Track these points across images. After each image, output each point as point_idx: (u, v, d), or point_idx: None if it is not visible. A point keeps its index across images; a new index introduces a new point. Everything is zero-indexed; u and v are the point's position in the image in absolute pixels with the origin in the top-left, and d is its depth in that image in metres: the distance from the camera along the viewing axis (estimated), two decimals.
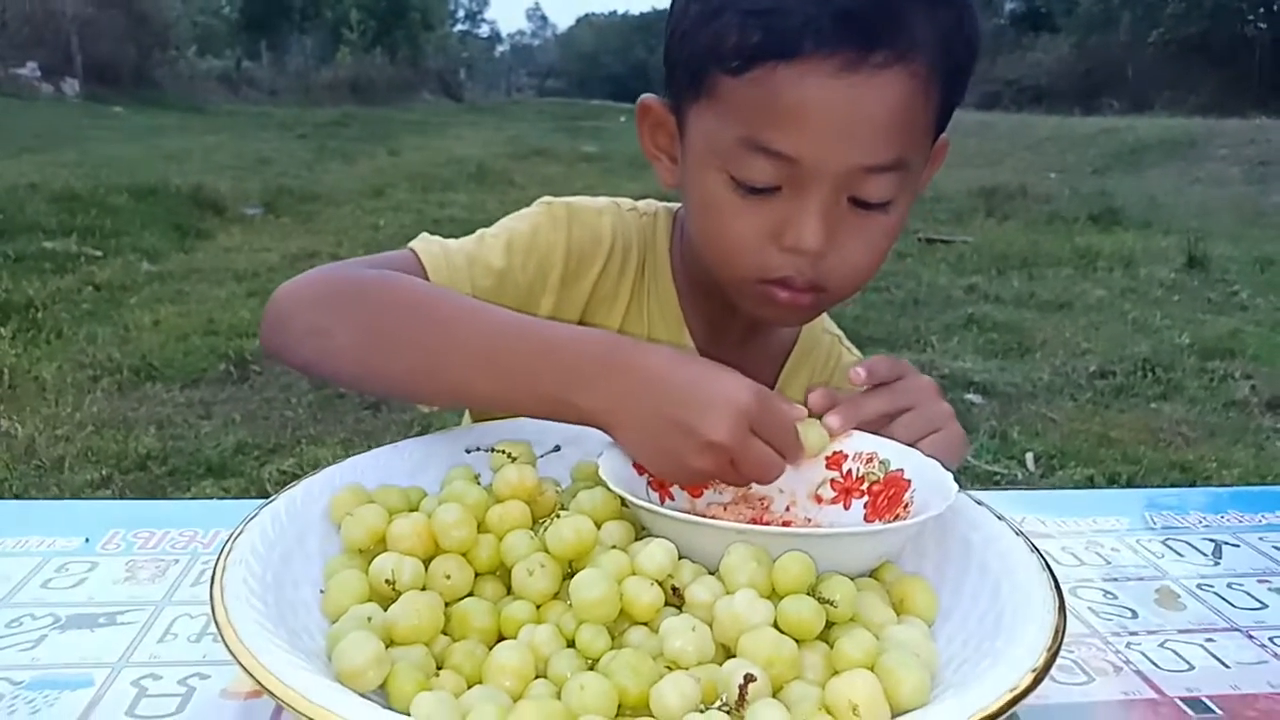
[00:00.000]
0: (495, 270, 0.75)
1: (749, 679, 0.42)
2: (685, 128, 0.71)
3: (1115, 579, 0.63)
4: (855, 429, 0.62)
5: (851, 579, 0.50)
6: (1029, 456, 2.64)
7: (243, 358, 3.26)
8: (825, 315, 0.88)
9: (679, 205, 0.82)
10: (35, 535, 0.66)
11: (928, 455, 0.60)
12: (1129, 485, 2.41)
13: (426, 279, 0.72)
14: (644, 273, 0.81)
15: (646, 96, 0.75)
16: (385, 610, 0.49)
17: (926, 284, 4.73)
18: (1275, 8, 16.22)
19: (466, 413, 0.84)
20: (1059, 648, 0.44)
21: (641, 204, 0.84)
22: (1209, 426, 2.93)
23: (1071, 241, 5.82)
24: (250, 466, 2.46)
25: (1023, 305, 4.37)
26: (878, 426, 0.62)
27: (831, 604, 0.48)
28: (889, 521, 0.58)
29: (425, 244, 0.75)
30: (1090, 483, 2.43)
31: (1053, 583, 0.49)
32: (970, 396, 3.15)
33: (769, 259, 0.67)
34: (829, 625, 0.49)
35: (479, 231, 0.78)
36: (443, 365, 0.62)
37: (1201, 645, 0.55)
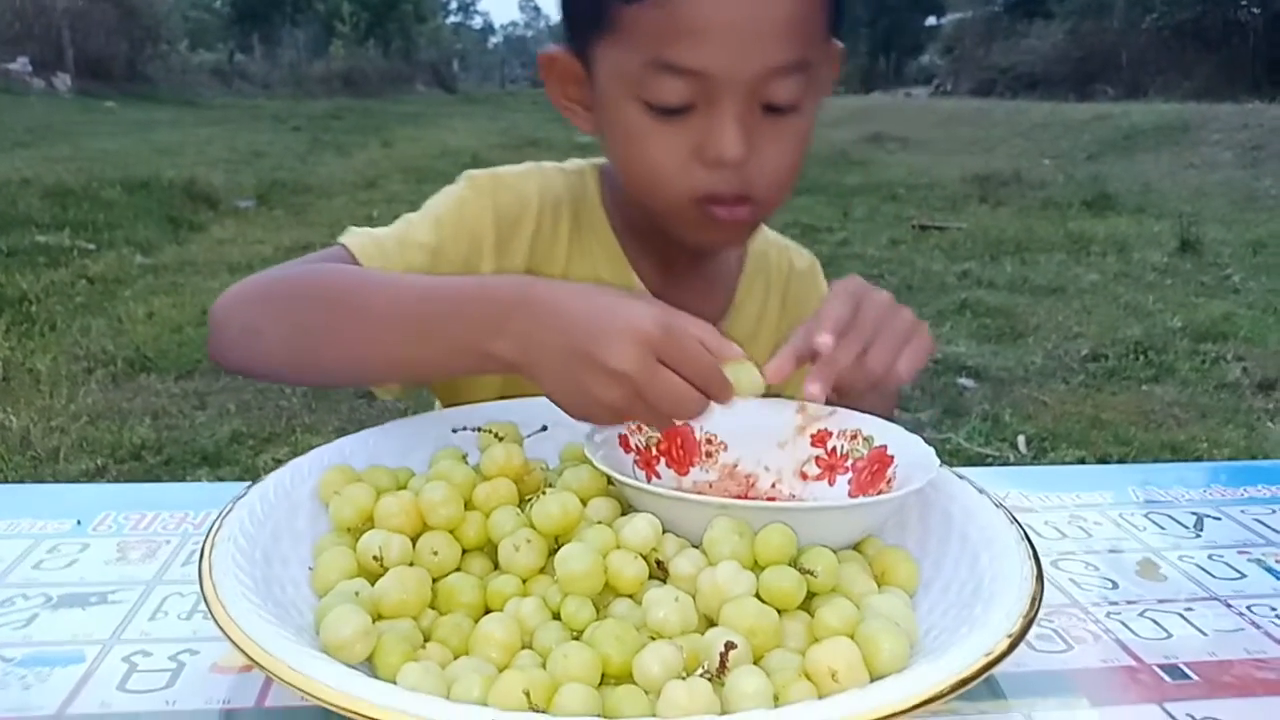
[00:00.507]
0: (427, 246, 0.75)
1: (730, 646, 0.43)
2: (593, 69, 0.72)
3: (1097, 551, 0.64)
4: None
5: (835, 552, 0.51)
6: (1021, 439, 2.65)
7: None
8: (765, 228, 0.89)
9: (604, 160, 0.84)
10: (27, 518, 0.66)
11: (904, 372, 0.59)
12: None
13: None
14: (580, 225, 0.83)
15: (548, 47, 0.76)
16: (373, 586, 0.50)
17: (920, 270, 4.74)
18: None
19: (437, 402, 0.85)
20: (1035, 614, 0.45)
21: (567, 164, 0.86)
22: (1200, 408, 2.94)
23: (1065, 227, 5.83)
24: (245, 455, 2.47)
25: (1016, 290, 4.38)
26: (854, 369, 0.59)
27: (812, 574, 0.49)
28: (872, 496, 0.59)
29: (354, 236, 0.75)
30: (1081, 464, 2.44)
31: (1031, 552, 0.50)
32: (963, 380, 3.15)
33: (694, 177, 0.68)
34: (811, 596, 0.49)
35: (404, 216, 0.78)
36: (366, 342, 0.62)
37: (1180, 614, 0.56)
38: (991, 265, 4.88)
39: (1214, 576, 0.60)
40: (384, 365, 0.65)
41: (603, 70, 0.70)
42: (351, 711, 0.38)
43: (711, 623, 0.47)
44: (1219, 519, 0.69)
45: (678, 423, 0.59)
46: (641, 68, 0.66)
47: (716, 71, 0.64)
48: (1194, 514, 0.70)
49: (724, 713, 0.41)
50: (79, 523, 0.66)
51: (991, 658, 0.41)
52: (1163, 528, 0.68)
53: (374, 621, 0.47)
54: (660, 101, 0.66)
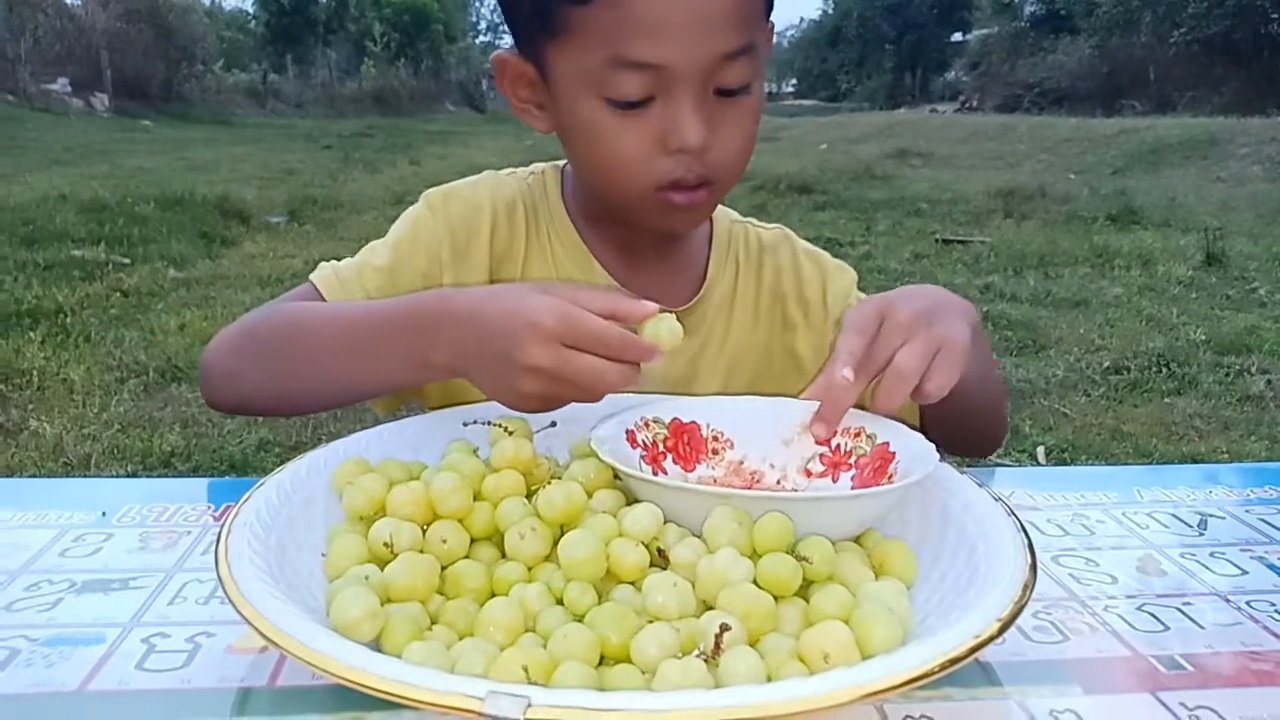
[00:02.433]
0: (383, 269, 0.81)
1: (724, 628, 0.44)
2: (547, 70, 0.75)
3: (1098, 548, 0.64)
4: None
5: (833, 543, 0.52)
6: (1040, 450, 2.64)
7: None
8: (730, 210, 0.93)
9: (564, 161, 0.87)
10: (55, 509, 0.69)
11: (933, 391, 0.58)
12: None
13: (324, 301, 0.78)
14: (538, 223, 0.86)
15: (499, 52, 0.79)
16: (383, 571, 0.51)
17: (943, 284, 4.66)
18: None
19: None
20: (1026, 600, 0.46)
21: (521, 169, 0.90)
22: (1223, 420, 2.91)
23: (1089, 241, 5.79)
24: (271, 463, 2.48)
25: (1039, 303, 4.35)
26: (875, 400, 0.59)
27: (808, 561, 0.50)
28: (870, 488, 0.60)
29: (319, 271, 0.82)
30: None
31: (1026, 544, 0.51)
32: None
33: (659, 166, 0.71)
34: (808, 583, 0.50)
35: (370, 243, 0.85)
36: (321, 371, 0.69)
37: (1178, 609, 0.56)
38: (1015, 279, 4.85)
39: (1215, 573, 0.61)
40: (342, 388, 0.71)
41: (558, 72, 0.73)
42: (357, 684, 0.39)
43: (710, 608, 0.48)
44: (1223, 518, 0.69)
45: (610, 395, 0.60)
46: (600, 66, 0.69)
47: (673, 63, 0.67)
48: (1198, 514, 0.70)
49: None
50: (104, 514, 0.68)
51: (980, 640, 0.42)
52: (1166, 526, 0.68)
53: (382, 605, 0.48)
54: (622, 97, 0.69)
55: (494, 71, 0.80)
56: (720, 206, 0.94)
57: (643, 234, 0.83)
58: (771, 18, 0.77)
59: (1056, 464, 2.56)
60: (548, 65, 0.74)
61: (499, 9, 0.79)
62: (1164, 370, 3.35)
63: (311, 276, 0.81)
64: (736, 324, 0.89)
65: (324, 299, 0.79)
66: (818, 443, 0.65)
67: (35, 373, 3.08)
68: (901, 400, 0.58)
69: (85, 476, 2.37)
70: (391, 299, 0.69)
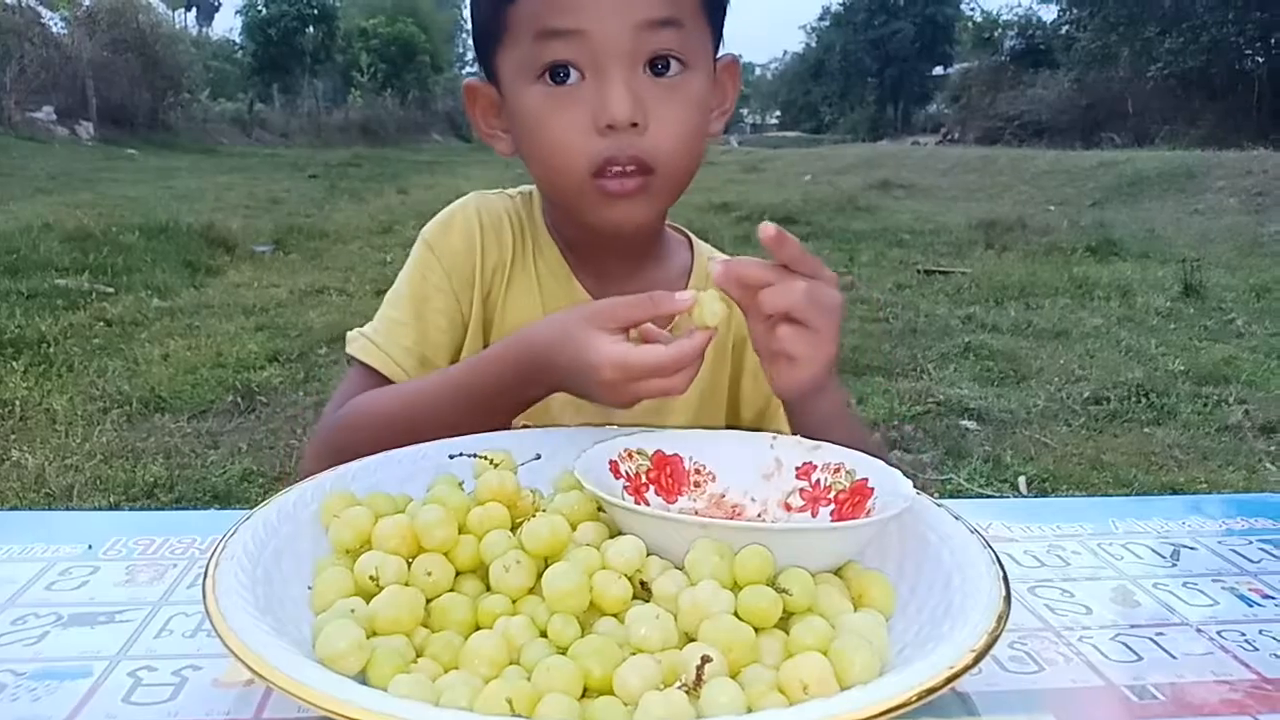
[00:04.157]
0: (409, 323, 0.86)
1: (705, 660, 0.45)
2: (501, 81, 0.79)
3: (1073, 579, 0.65)
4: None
5: (812, 575, 0.53)
6: (1021, 480, 2.66)
7: (250, 389, 3.30)
8: (711, 248, 0.95)
9: None
10: (40, 543, 0.69)
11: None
12: None
13: (377, 373, 0.84)
14: (525, 238, 0.90)
15: (470, 79, 0.84)
16: (369, 605, 0.52)
17: (924, 314, 4.76)
18: (1273, 41, 16.37)
19: None
20: (1001, 630, 0.47)
21: (511, 189, 0.94)
22: (1202, 450, 2.94)
23: (1069, 272, 5.86)
24: (255, 494, 2.49)
25: (1019, 334, 4.40)
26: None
27: (788, 593, 0.51)
28: (849, 521, 0.61)
29: (354, 344, 0.87)
30: None
31: (1001, 575, 0.52)
32: (965, 422, 3.17)
33: (592, 145, 0.74)
34: (788, 615, 0.51)
35: (386, 297, 0.90)
36: (441, 432, 0.71)
37: (1151, 639, 0.57)
38: (996, 309, 4.90)
39: (1187, 604, 0.62)
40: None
41: (505, 75, 0.77)
42: (343, 716, 0.40)
43: (691, 640, 0.49)
44: (1195, 549, 0.71)
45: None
46: (530, 45, 0.73)
47: (593, 28, 0.71)
48: (1171, 545, 0.71)
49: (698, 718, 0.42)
50: (90, 547, 0.68)
51: (955, 670, 0.43)
52: (1140, 557, 0.69)
53: (368, 638, 0.49)
54: (549, 62, 0.73)
55: (465, 99, 0.85)
56: (703, 244, 0.96)
57: (614, 254, 0.87)
58: (724, 45, 0.82)
59: (1037, 494, 2.58)
60: (499, 75, 0.78)
61: None
62: (1143, 400, 3.39)
63: (350, 350, 0.87)
64: (706, 359, 0.91)
65: (372, 367, 0.85)
66: (798, 476, 0.66)
67: (17, 403, 3.07)
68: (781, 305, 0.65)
69: (68, 509, 2.35)
70: (475, 369, 0.76)
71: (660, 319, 0.68)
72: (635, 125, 0.73)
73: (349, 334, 0.88)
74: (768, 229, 0.64)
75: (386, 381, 0.84)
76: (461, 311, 0.88)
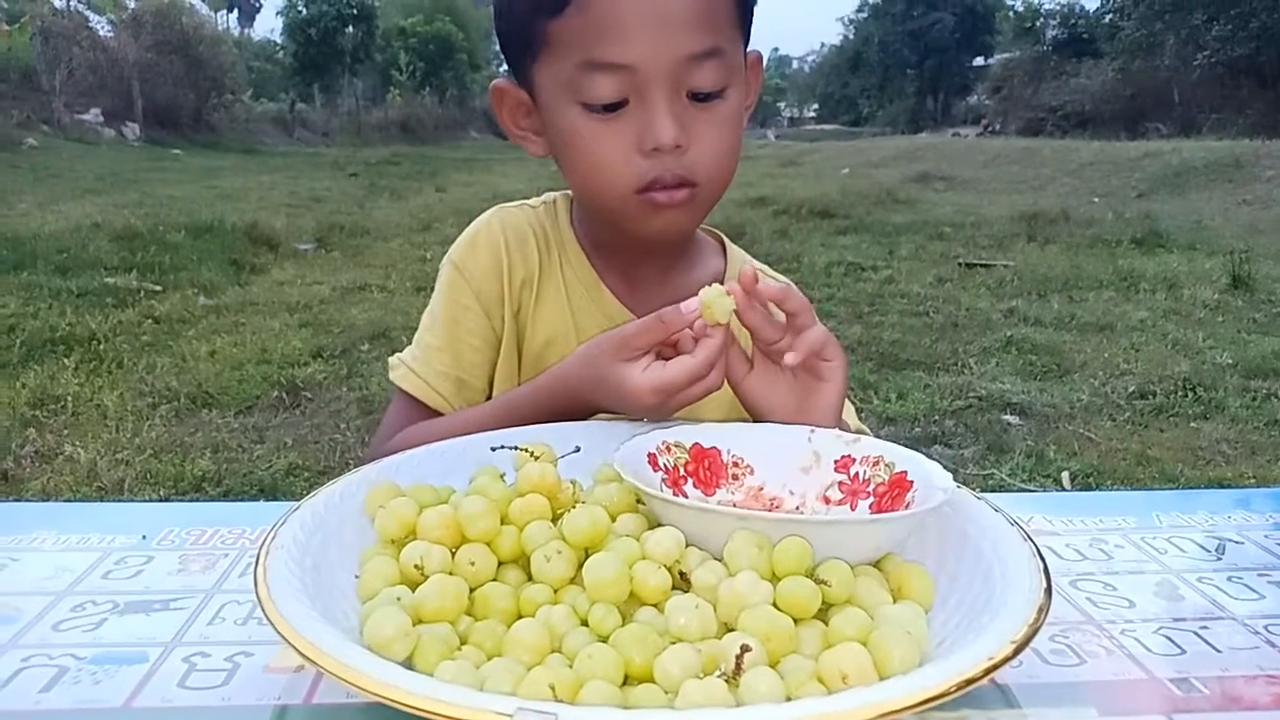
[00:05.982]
0: (444, 349, 0.88)
1: (745, 649, 0.45)
2: (536, 92, 0.79)
3: (1116, 573, 0.65)
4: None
5: (851, 567, 0.53)
6: (1065, 475, 2.62)
7: (294, 385, 3.36)
8: (744, 253, 0.96)
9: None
10: (97, 533, 0.71)
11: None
12: None
13: (418, 401, 0.87)
14: (550, 249, 0.91)
15: (497, 81, 0.84)
16: (414, 593, 0.53)
17: (966, 308, 4.71)
18: None
19: None
20: (1041, 623, 0.46)
21: (534, 199, 0.95)
22: (1250, 445, 2.88)
23: (1114, 264, 5.76)
24: (301, 488, 2.54)
25: (1063, 327, 4.33)
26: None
27: (827, 584, 0.51)
28: (888, 514, 0.61)
29: (395, 371, 0.89)
30: None
31: (1042, 567, 0.52)
32: (1007, 417, 3.13)
33: (637, 168, 0.75)
34: (827, 606, 0.52)
35: (424, 316, 0.92)
36: None
37: (1195, 633, 0.57)
38: (1039, 303, 4.83)
39: (1232, 598, 0.61)
40: None
41: (544, 88, 0.78)
42: (391, 700, 0.41)
43: (730, 630, 0.49)
44: (1241, 543, 0.70)
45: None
46: (574, 71, 0.73)
47: (640, 63, 0.71)
48: (1216, 538, 0.70)
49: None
50: (144, 537, 0.70)
51: (994, 661, 0.43)
52: (1183, 550, 0.68)
53: (414, 626, 0.50)
54: (595, 99, 0.74)
55: (493, 99, 0.85)
56: (736, 248, 0.96)
57: (646, 259, 0.87)
58: (753, 46, 0.81)
59: (1081, 489, 2.55)
60: (535, 85, 0.79)
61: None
62: (1190, 394, 3.32)
63: (392, 377, 0.90)
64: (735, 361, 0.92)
65: (413, 396, 0.88)
66: (836, 469, 0.66)
67: (69, 399, 3.15)
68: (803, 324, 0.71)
69: (120, 501, 2.41)
70: (517, 411, 0.78)
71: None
72: (679, 147, 0.74)
73: (391, 359, 0.91)
74: (746, 273, 0.70)
75: (426, 407, 0.87)
76: (493, 329, 0.89)
